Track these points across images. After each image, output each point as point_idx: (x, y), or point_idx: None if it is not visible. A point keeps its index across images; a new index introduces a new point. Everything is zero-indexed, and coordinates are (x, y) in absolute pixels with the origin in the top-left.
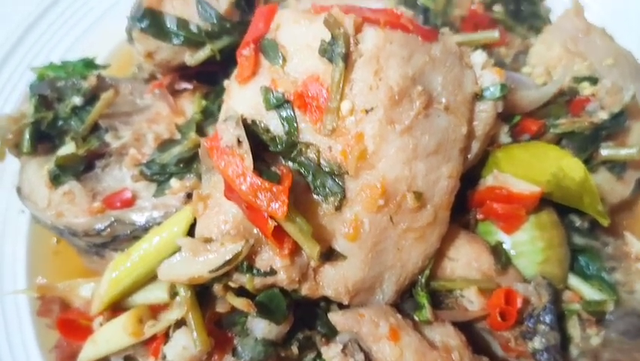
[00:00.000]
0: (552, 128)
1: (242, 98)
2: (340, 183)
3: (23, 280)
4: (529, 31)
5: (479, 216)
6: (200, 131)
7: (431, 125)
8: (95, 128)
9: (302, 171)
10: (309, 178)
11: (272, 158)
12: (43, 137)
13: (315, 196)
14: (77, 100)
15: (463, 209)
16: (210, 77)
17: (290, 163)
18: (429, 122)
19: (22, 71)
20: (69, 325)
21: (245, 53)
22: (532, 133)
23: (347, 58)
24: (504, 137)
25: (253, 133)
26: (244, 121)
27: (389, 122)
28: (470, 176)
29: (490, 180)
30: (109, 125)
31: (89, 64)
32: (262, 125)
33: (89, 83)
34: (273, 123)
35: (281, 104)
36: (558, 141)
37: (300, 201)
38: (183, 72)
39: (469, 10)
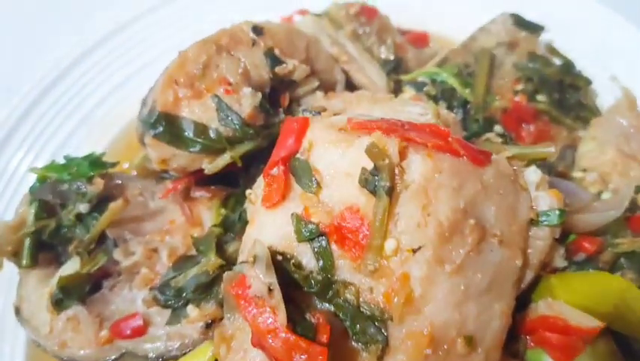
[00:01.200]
0: (610, 247)
1: (269, 225)
2: (382, 330)
3: None
4: (576, 122)
5: (530, 344)
6: (220, 248)
7: (484, 262)
8: (101, 237)
9: (339, 314)
10: (347, 323)
11: (305, 298)
12: (44, 246)
13: (354, 343)
14: (82, 207)
15: (512, 334)
16: (230, 178)
17: (325, 305)
18: (481, 259)
19: (19, 159)
20: None
21: (273, 173)
22: (589, 253)
23: (391, 191)
24: (559, 260)
25: (283, 271)
26: (273, 257)
27: (438, 262)
28: (519, 298)
29: (542, 306)
30: (117, 235)
31: (94, 162)
32: (293, 260)
33: (95, 188)
34: (306, 258)
35: (315, 236)
36: (616, 259)
37: (337, 348)
38: (200, 175)
39: (510, 100)
